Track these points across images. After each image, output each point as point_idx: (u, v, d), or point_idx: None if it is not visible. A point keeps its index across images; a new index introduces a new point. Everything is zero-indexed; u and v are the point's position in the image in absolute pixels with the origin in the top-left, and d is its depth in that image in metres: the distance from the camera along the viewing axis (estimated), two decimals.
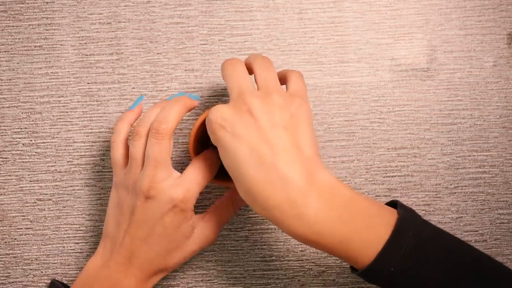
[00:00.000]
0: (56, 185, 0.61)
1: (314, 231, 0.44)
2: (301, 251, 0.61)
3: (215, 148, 0.53)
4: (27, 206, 0.61)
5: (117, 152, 0.53)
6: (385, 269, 0.44)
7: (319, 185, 0.45)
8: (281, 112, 0.46)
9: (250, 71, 0.52)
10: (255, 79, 0.50)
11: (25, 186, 0.61)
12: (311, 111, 0.49)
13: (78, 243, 0.61)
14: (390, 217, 0.45)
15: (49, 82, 0.62)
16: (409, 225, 0.45)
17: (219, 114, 0.46)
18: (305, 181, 0.44)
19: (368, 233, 0.44)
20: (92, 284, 0.52)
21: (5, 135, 0.62)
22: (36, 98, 0.62)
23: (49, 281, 0.61)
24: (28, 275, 0.61)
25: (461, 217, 0.61)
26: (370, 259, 0.44)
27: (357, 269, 0.46)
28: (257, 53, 0.54)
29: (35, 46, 0.62)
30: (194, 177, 0.51)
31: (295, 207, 0.44)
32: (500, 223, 0.61)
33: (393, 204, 0.49)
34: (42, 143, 0.62)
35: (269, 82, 0.48)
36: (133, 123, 0.55)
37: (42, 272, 0.61)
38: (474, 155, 0.62)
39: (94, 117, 0.62)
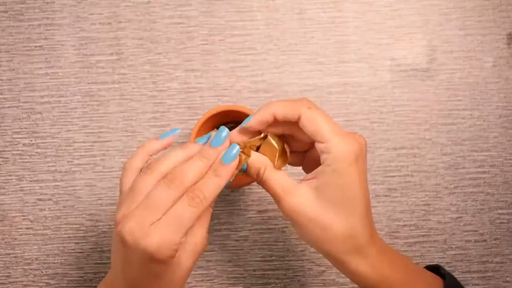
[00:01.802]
0: (56, 185, 0.61)
1: (379, 274, 0.46)
2: (301, 251, 0.61)
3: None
4: (27, 206, 0.61)
5: (125, 179, 0.45)
6: None
7: (378, 248, 0.46)
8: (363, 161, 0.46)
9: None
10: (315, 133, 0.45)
11: (26, 186, 0.61)
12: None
13: (78, 243, 0.61)
14: (435, 284, 0.47)
15: (49, 82, 0.62)
16: None
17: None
18: (367, 240, 0.45)
19: None
20: None
21: (5, 135, 0.62)
22: (36, 98, 0.62)
23: (49, 281, 0.61)
24: (28, 275, 0.61)
25: (461, 217, 0.62)
26: None
27: None
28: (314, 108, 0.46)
29: (36, 46, 0.62)
30: (178, 222, 0.43)
31: (363, 259, 0.45)
32: (500, 223, 0.61)
33: (435, 267, 0.50)
34: (42, 143, 0.62)
35: (340, 131, 0.46)
36: (153, 155, 0.48)
37: (42, 272, 0.61)
38: (473, 155, 0.62)
39: (94, 117, 0.62)
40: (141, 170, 0.45)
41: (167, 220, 0.42)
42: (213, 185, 0.44)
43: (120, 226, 0.42)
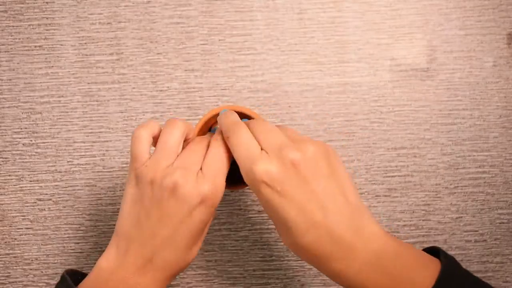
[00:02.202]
0: (56, 185, 0.61)
1: (359, 282, 0.45)
2: None
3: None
4: (27, 206, 0.61)
5: (142, 146, 0.48)
6: None
7: (365, 238, 0.45)
8: (320, 161, 0.45)
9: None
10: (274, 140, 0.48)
11: (25, 186, 0.61)
12: (337, 152, 0.48)
13: (78, 243, 0.61)
14: (433, 268, 0.46)
15: (49, 82, 0.62)
16: (452, 274, 0.46)
17: (264, 170, 0.44)
18: (352, 234, 0.45)
19: (412, 284, 0.45)
20: (107, 285, 0.47)
21: (5, 135, 0.62)
22: (36, 98, 0.62)
23: (49, 281, 0.61)
24: (28, 275, 0.61)
25: (461, 217, 0.61)
26: None
27: None
28: (251, 121, 0.50)
29: (35, 46, 0.62)
30: (219, 165, 0.48)
31: (342, 261, 0.45)
32: (500, 223, 0.61)
33: (435, 250, 0.49)
34: (42, 143, 0.62)
35: (295, 135, 0.47)
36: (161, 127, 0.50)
37: (42, 272, 0.61)
38: (474, 155, 0.62)
39: (94, 117, 0.62)
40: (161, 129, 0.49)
41: (211, 165, 0.48)
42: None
43: (169, 177, 0.46)
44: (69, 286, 0.47)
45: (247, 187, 0.58)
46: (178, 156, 0.48)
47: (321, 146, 0.46)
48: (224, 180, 0.49)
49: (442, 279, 0.45)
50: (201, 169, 0.48)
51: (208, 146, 0.49)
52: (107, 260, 0.48)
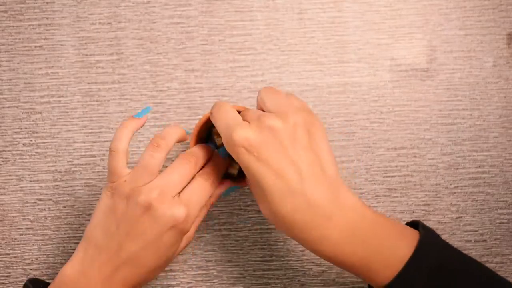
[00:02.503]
0: (56, 185, 0.61)
1: (338, 252, 0.45)
2: (301, 251, 0.61)
3: (225, 155, 0.54)
4: (27, 206, 0.61)
5: (118, 161, 0.49)
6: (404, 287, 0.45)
7: (342, 207, 0.45)
8: (299, 131, 0.46)
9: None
10: (264, 107, 0.49)
11: (26, 186, 0.61)
12: (324, 126, 0.49)
13: (78, 243, 0.61)
14: (412, 238, 0.46)
15: (49, 82, 0.62)
16: (429, 246, 0.46)
17: (243, 136, 0.45)
18: (329, 203, 0.45)
19: (389, 254, 0.45)
20: None
21: (5, 135, 0.62)
22: (37, 98, 0.62)
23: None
24: (28, 275, 0.61)
25: (461, 217, 0.62)
26: (389, 279, 0.45)
27: None
28: (262, 88, 0.51)
29: (36, 46, 0.62)
30: (198, 196, 0.49)
31: (320, 229, 0.45)
32: (500, 223, 0.61)
33: (414, 224, 0.50)
34: (42, 143, 0.62)
35: (280, 103, 0.47)
36: (135, 132, 0.52)
37: (42, 272, 0.61)
38: (473, 155, 0.62)
39: (94, 117, 0.62)
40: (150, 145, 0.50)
41: (190, 192, 0.49)
42: (219, 170, 0.52)
43: (145, 195, 0.47)
44: None
45: (246, 186, 0.58)
46: (160, 173, 0.49)
47: (306, 117, 0.47)
48: (198, 211, 0.50)
49: (420, 248, 0.45)
50: (179, 193, 0.49)
51: (195, 165, 0.50)
52: (72, 267, 0.49)
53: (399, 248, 0.45)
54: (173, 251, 0.50)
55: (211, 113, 0.49)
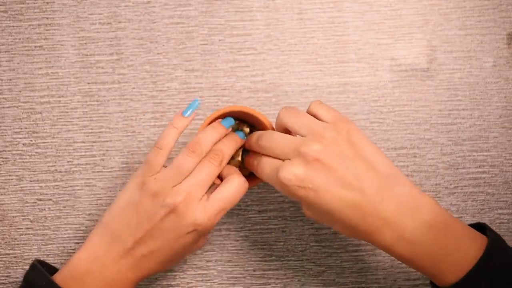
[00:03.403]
0: (56, 185, 0.61)
1: (411, 251, 0.46)
2: (301, 251, 0.61)
3: (249, 173, 0.55)
4: (27, 206, 0.61)
5: (159, 158, 0.50)
6: None
7: (413, 209, 0.46)
8: (341, 145, 0.46)
9: (287, 131, 0.52)
10: (294, 132, 0.49)
11: (26, 186, 0.61)
12: (358, 127, 0.50)
13: (78, 243, 0.61)
14: (480, 241, 0.47)
15: (49, 82, 0.62)
16: (498, 250, 0.47)
17: (292, 175, 0.45)
18: (397, 208, 0.46)
19: (459, 254, 0.46)
20: (83, 277, 0.50)
21: (5, 135, 0.62)
22: (37, 98, 0.62)
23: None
24: None
25: (461, 217, 0.61)
26: (458, 279, 0.46)
27: (438, 286, 0.48)
28: (282, 111, 0.51)
29: (36, 46, 0.62)
30: (221, 204, 0.51)
31: (392, 232, 0.46)
32: (500, 223, 0.61)
33: (479, 226, 0.51)
34: (42, 143, 0.62)
35: (310, 124, 0.48)
36: (183, 131, 0.53)
37: None
38: (474, 155, 0.62)
39: (94, 117, 0.62)
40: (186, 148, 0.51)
41: (215, 198, 0.50)
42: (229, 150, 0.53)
43: (173, 197, 0.49)
44: (41, 274, 0.50)
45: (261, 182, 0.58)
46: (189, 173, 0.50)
47: (338, 127, 0.47)
48: (220, 215, 0.51)
49: (489, 252, 0.46)
50: (207, 194, 0.51)
51: (220, 164, 0.51)
52: (89, 251, 0.51)
53: (469, 250, 0.46)
54: (190, 249, 0.52)
55: (255, 165, 0.51)
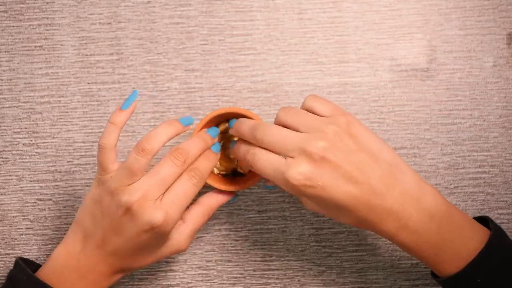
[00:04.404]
0: (56, 185, 0.61)
1: (414, 240, 0.47)
2: (301, 251, 0.61)
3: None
4: (27, 206, 0.61)
5: (106, 157, 0.50)
6: (472, 279, 0.46)
7: (416, 199, 0.47)
8: (343, 139, 0.47)
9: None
10: (294, 129, 0.48)
11: (26, 186, 0.61)
12: (356, 118, 0.50)
13: None
14: (482, 233, 0.48)
15: (49, 82, 0.62)
16: (500, 240, 0.47)
17: (300, 175, 0.45)
18: (400, 199, 0.46)
19: (461, 244, 0.47)
20: (62, 271, 0.52)
21: (5, 135, 0.62)
22: (37, 98, 0.62)
23: None
24: None
25: None
26: (459, 269, 0.46)
27: (439, 276, 0.49)
28: (280, 111, 0.51)
29: (36, 46, 0.62)
30: (180, 200, 0.50)
31: (398, 220, 0.46)
32: (500, 223, 0.61)
33: (482, 219, 0.51)
34: (42, 143, 0.62)
35: (309, 120, 0.48)
36: (123, 126, 0.52)
37: None
38: (474, 155, 0.62)
39: (94, 117, 0.62)
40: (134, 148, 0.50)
41: (172, 196, 0.50)
42: (207, 167, 0.52)
43: (127, 196, 0.48)
44: (22, 270, 0.51)
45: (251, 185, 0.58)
46: (146, 173, 0.50)
47: (338, 121, 0.47)
48: (180, 214, 0.50)
49: (491, 243, 0.46)
50: (162, 195, 0.50)
51: (183, 164, 0.50)
52: (65, 248, 0.52)
53: (471, 240, 0.47)
54: (157, 250, 0.52)
55: (248, 160, 0.50)
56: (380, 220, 0.46)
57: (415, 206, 0.46)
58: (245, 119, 0.52)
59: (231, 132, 0.53)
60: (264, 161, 0.48)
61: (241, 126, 0.51)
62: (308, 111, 0.50)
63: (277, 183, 0.47)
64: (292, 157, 0.46)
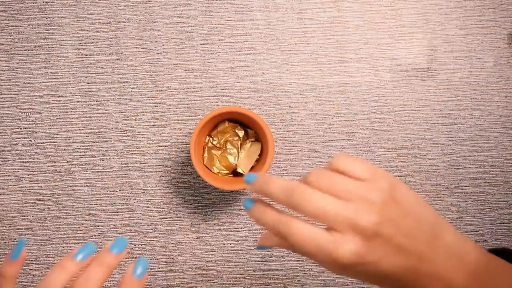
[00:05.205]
0: (56, 185, 0.61)
1: None
2: None
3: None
4: (26, 206, 0.61)
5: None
6: None
7: (461, 262, 0.45)
8: (391, 207, 0.42)
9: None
10: (336, 195, 0.43)
11: (25, 186, 0.61)
12: (396, 178, 0.45)
13: (78, 243, 0.61)
14: None
15: (49, 82, 0.62)
16: None
17: (353, 255, 0.41)
18: (444, 256, 0.44)
19: None
20: None
21: (4, 135, 0.62)
22: (36, 98, 0.62)
23: None
24: (28, 275, 0.61)
25: (462, 217, 0.61)
26: None
27: None
28: (311, 176, 0.44)
29: (35, 46, 0.62)
30: None
31: (442, 280, 0.44)
32: (500, 223, 0.61)
33: (505, 251, 0.50)
34: (41, 143, 0.61)
35: (349, 188, 0.42)
36: (16, 276, 0.44)
37: (42, 272, 0.61)
38: (474, 155, 0.62)
39: (94, 117, 0.62)
40: None
41: None
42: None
43: None
44: None
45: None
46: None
47: (381, 186, 0.43)
48: None
49: None
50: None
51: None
52: None
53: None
54: None
55: (280, 230, 0.43)
56: (424, 285, 0.44)
57: (459, 265, 0.44)
58: (271, 175, 0.44)
59: (249, 188, 0.44)
60: (305, 235, 0.42)
61: (270, 186, 0.44)
62: (340, 173, 0.44)
63: (318, 261, 0.42)
64: (339, 231, 0.41)
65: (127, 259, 0.61)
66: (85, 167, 0.61)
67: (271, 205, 0.44)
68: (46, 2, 0.62)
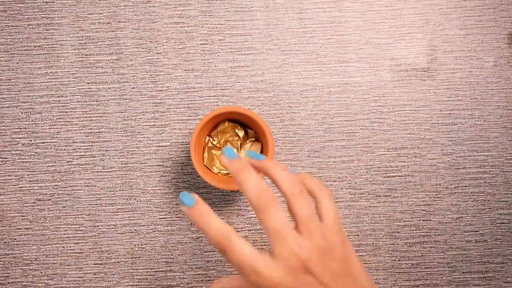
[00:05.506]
0: (56, 185, 0.61)
1: None
2: None
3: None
4: (26, 206, 0.61)
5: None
6: None
7: None
8: (335, 259, 0.42)
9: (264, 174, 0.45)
10: (288, 208, 0.43)
11: (25, 186, 0.61)
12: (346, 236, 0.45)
13: (77, 243, 0.61)
14: None
15: (49, 82, 0.62)
16: None
17: (279, 282, 0.40)
18: None
19: None
20: None
21: (4, 135, 0.61)
22: (36, 98, 0.62)
23: (49, 281, 0.61)
24: (27, 275, 0.61)
25: (462, 217, 0.61)
26: None
27: None
28: (282, 169, 0.44)
29: (35, 46, 0.62)
30: None
31: None
32: (500, 223, 0.61)
33: None
34: (41, 143, 0.61)
35: (306, 219, 0.42)
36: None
37: (41, 272, 0.61)
38: (474, 155, 0.61)
39: (94, 117, 0.62)
40: None
41: None
42: None
43: None
44: None
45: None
46: None
47: (333, 237, 0.42)
48: None
49: None
50: None
51: None
52: None
53: None
54: None
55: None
56: None
57: None
58: (251, 170, 0.43)
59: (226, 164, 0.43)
60: (243, 253, 0.42)
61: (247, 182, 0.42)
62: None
63: (247, 279, 0.42)
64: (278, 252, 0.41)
65: (127, 259, 0.61)
66: (85, 167, 0.61)
67: (212, 211, 0.42)
68: (46, 2, 0.62)
